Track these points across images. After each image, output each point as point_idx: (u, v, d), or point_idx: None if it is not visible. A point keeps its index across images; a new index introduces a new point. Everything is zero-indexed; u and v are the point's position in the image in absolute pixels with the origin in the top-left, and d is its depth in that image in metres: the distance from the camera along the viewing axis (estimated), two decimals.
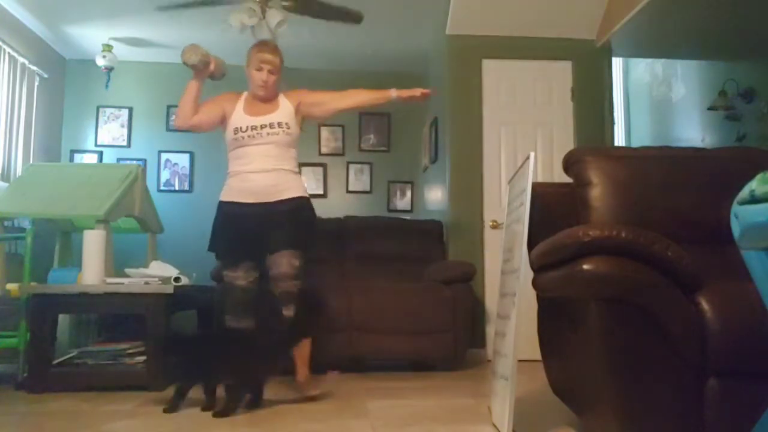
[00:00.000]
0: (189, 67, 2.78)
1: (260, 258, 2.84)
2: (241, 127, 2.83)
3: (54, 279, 3.24)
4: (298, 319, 2.73)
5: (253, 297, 2.86)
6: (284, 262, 2.76)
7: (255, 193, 2.81)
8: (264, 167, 2.81)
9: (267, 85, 2.86)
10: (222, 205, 2.90)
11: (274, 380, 2.80)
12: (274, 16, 3.84)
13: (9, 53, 4.53)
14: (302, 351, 2.80)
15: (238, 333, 2.80)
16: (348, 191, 5.89)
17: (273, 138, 2.82)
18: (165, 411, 2.47)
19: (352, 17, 4.01)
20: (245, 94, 2.95)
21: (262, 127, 2.82)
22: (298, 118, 2.94)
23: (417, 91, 2.99)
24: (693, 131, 5.13)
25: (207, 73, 2.83)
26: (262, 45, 2.95)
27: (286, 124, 2.86)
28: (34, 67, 4.86)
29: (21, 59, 4.68)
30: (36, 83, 4.94)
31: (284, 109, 2.90)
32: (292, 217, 2.83)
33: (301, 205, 2.88)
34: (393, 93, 2.98)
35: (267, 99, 2.90)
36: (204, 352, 2.57)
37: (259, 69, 2.85)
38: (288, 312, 2.75)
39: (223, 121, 2.91)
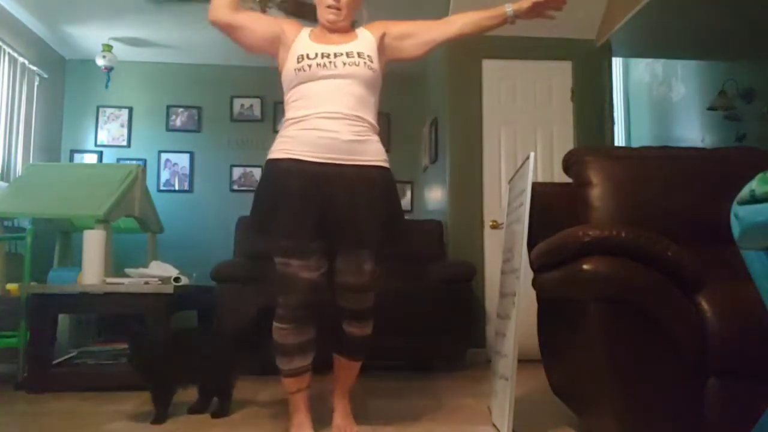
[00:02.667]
0: None
1: (331, 242, 2.05)
2: (308, 54, 2.06)
3: (54, 279, 3.24)
4: (370, 339, 2.17)
5: (322, 297, 2.06)
6: (363, 268, 2.03)
7: (326, 147, 2.01)
8: (340, 109, 2.03)
9: (339, 3, 2.11)
10: (273, 164, 2.05)
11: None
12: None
13: (9, 53, 4.53)
14: (354, 372, 2.28)
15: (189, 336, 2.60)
16: None
17: (352, 70, 2.05)
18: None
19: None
20: (310, 28, 2.21)
21: (336, 55, 2.06)
22: (383, 59, 2.18)
23: None
24: (693, 131, 5.13)
25: None
26: None
27: (368, 56, 2.10)
28: (34, 67, 4.85)
29: (21, 59, 4.67)
30: (36, 83, 4.93)
31: (365, 40, 2.16)
32: (379, 199, 2.06)
33: (390, 183, 2.14)
34: (509, 8, 2.17)
35: (340, 29, 2.16)
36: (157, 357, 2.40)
37: None
38: (362, 330, 2.13)
39: (275, 43, 2.14)
